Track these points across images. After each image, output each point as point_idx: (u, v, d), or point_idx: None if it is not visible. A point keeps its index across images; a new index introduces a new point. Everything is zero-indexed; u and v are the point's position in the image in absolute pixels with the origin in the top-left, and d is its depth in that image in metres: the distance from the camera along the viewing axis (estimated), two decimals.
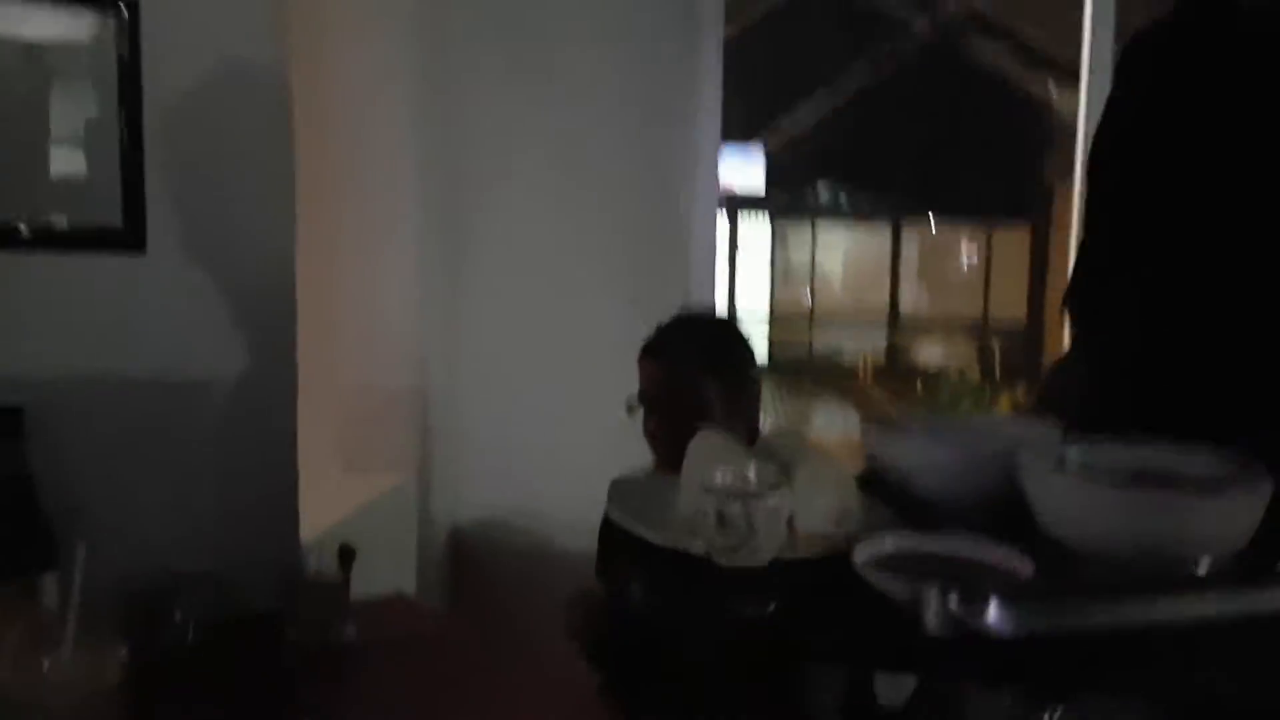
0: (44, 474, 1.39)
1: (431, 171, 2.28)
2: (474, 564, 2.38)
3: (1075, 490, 0.61)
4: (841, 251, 19.79)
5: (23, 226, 1.49)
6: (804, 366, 17.78)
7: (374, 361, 2.22)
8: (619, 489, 0.78)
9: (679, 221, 2.74)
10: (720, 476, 0.64)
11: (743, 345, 1.82)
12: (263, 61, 1.64)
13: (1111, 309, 0.93)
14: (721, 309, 2.84)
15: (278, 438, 1.73)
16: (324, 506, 1.86)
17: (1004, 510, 0.63)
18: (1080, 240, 1.03)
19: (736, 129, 16.74)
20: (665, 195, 2.66)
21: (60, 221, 1.52)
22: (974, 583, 0.53)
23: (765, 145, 17.67)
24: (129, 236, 1.56)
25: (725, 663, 0.79)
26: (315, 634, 1.52)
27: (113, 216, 1.54)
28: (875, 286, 17.93)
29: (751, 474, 0.65)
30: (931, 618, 0.51)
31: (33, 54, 1.47)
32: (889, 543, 0.62)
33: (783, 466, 0.68)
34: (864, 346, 16.14)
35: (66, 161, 1.54)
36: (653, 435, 1.72)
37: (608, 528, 1.69)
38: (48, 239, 1.50)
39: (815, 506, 0.68)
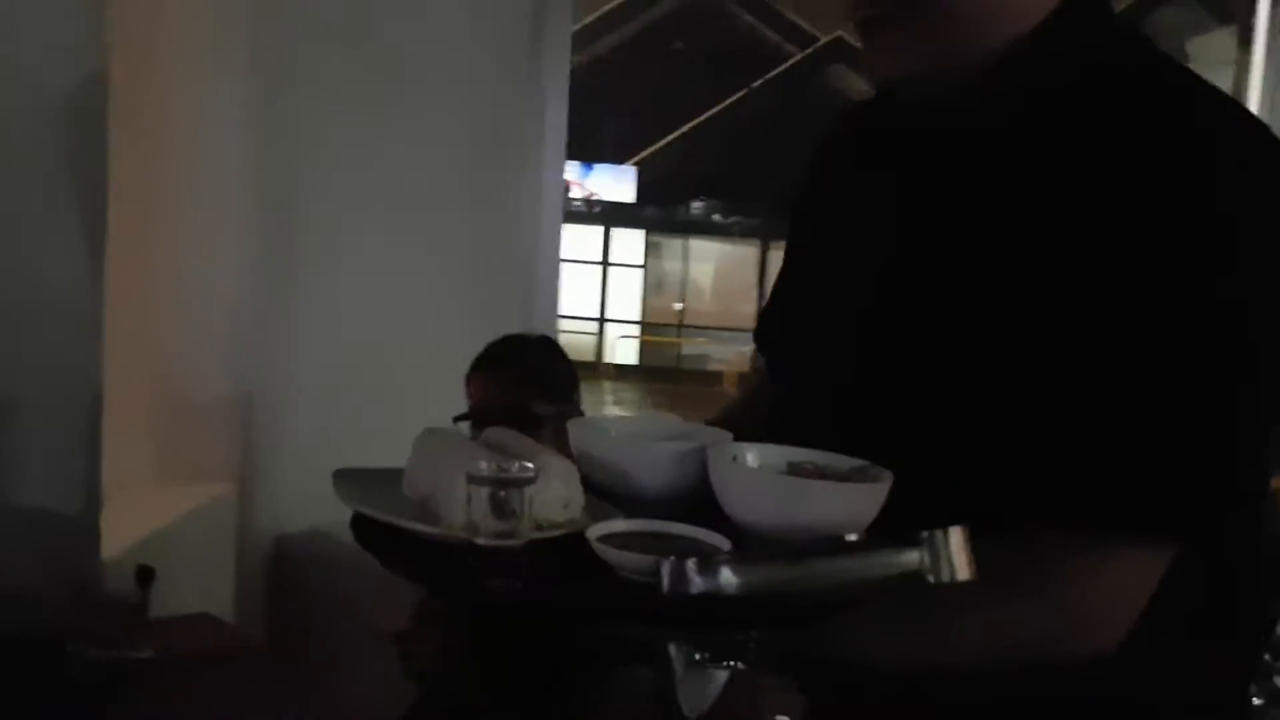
0: None
1: (261, 176, 2.25)
2: (297, 576, 2.35)
3: (744, 478, 0.77)
4: (712, 265, 20.22)
5: None
6: (672, 372, 18.14)
7: (192, 370, 2.17)
8: (344, 483, 0.81)
9: (521, 237, 2.77)
10: (485, 466, 0.70)
11: (566, 364, 1.88)
12: (79, 62, 1.60)
13: (791, 344, 1.06)
14: (553, 328, 2.88)
15: (80, 452, 1.69)
16: (134, 521, 1.82)
17: (703, 498, 0.77)
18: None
19: (613, 150, 16.98)
20: (506, 212, 2.69)
21: None
22: (698, 552, 0.68)
23: (639, 164, 17.92)
24: None
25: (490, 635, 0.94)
26: (106, 654, 1.50)
27: None
28: (743, 299, 18.37)
29: (513, 466, 0.70)
30: (668, 581, 0.64)
31: None
32: (616, 525, 0.74)
33: (517, 458, 0.74)
34: (729, 353, 16.57)
35: None
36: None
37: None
38: None
39: (549, 495, 0.76)
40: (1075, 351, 0.80)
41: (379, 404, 2.33)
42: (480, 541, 0.69)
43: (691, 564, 0.63)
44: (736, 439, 0.84)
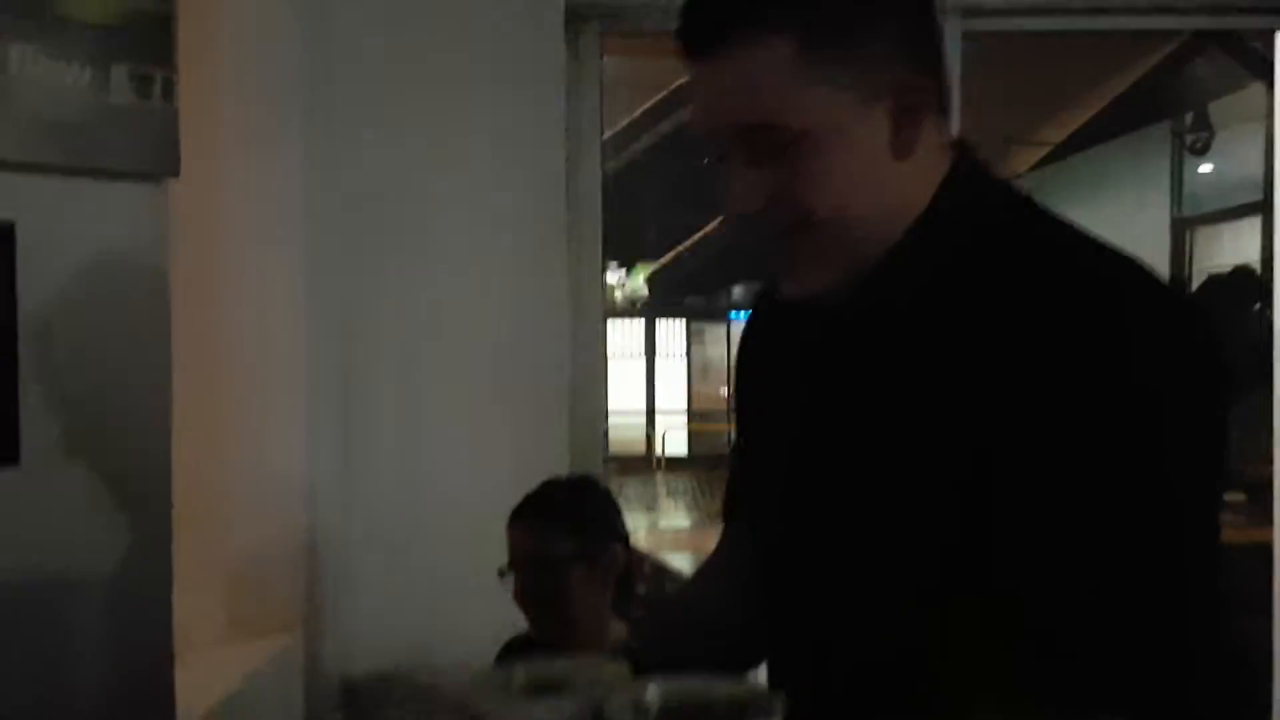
0: None
1: (316, 327, 2.33)
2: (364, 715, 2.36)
3: None
4: None
5: None
6: (721, 459, 17.95)
7: (259, 526, 2.23)
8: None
9: (564, 340, 2.82)
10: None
11: (601, 502, 1.89)
12: (142, 247, 1.68)
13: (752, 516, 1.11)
14: (602, 427, 2.94)
15: (154, 621, 1.73)
16: (207, 680, 1.85)
17: None
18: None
19: (650, 246, 17.24)
20: (551, 314, 2.75)
21: None
22: None
23: (677, 258, 18.12)
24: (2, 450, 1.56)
25: None
26: None
27: None
28: None
29: None
30: None
31: None
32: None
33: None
34: None
35: None
36: (520, 599, 1.78)
37: None
38: None
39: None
40: (1008, 535, 0.80)
41: (441, 544, 2.37)
42: None
43: None
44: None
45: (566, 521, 1.81)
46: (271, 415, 2.24)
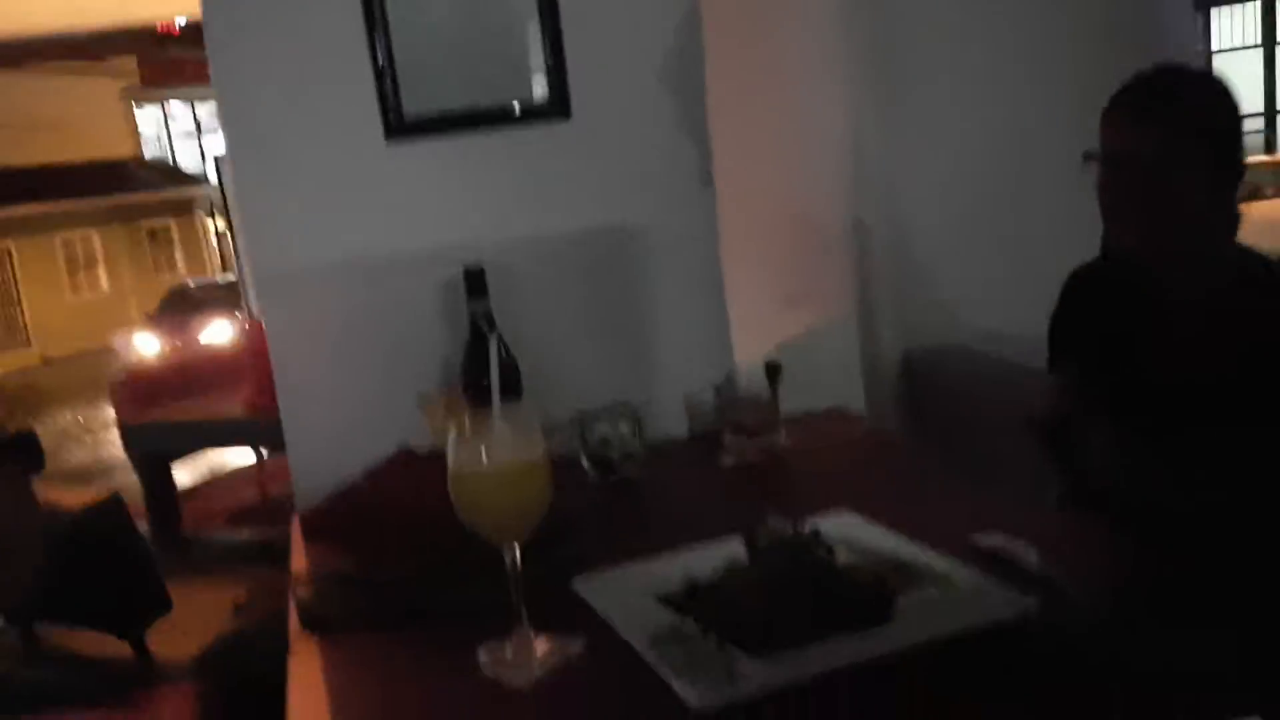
0: (502, 324, 1.65)
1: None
2: (927, 387, 2.40)
3: None
4: None
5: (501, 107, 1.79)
6: None
7: (803, 197, 2.29)
8: None
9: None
10: None
11: (1236, 115, 1.53)
12: None
13: None
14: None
15: (703, 276, 1.89)
16: (758, 338, 1.99)
17: None
18: None
19: None
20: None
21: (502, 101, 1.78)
22: None
23: None
24: (555, 107, 1.78)
25: None
26: (747, 443, 1.68)
27: (541, 92, 1.78)
28: None
29: None
30: None
31: None
32: None
33: None
34: None
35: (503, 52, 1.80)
36: (1104, 189, 1.52)
37: (1059, 321, 1.65)
38: (494, 117, 1.78)
39: None
40: None
41: (993, 218, 2.29)
42: None
43: None
44: None
45: (1197, 119, 1.45)
46: (814, 94, 2.27)
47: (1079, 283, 1.66)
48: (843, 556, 1.15)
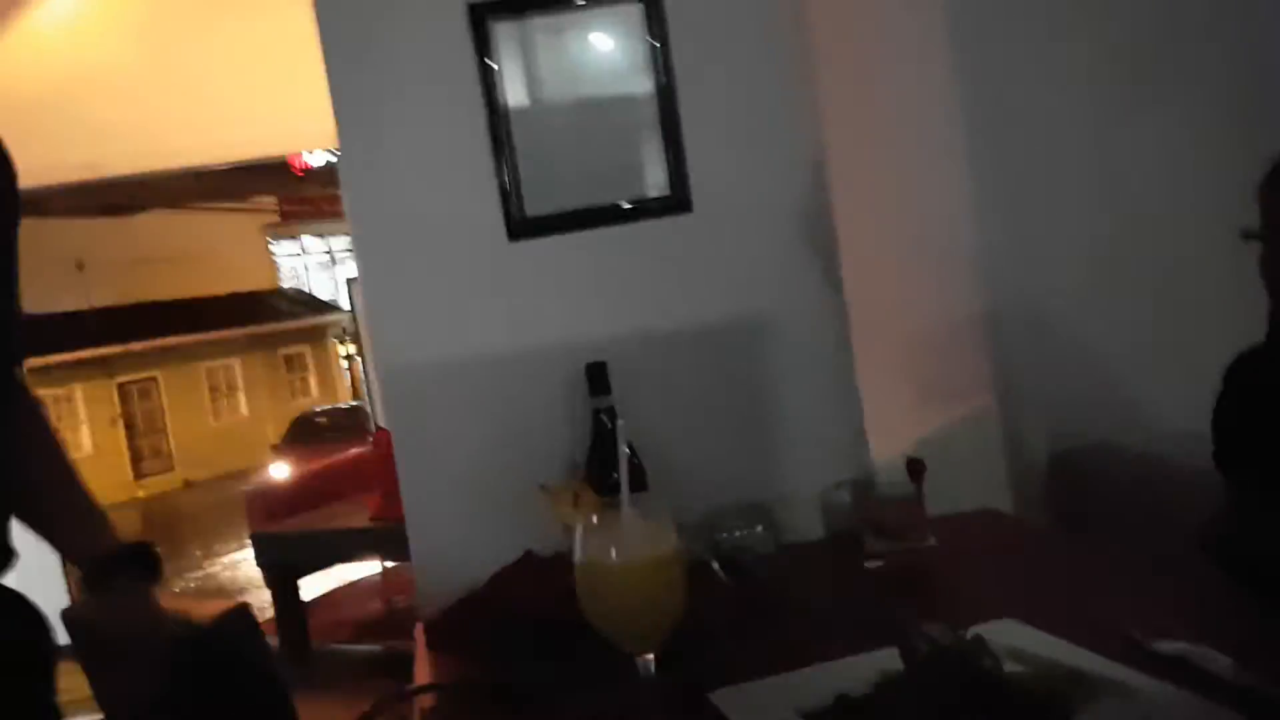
0: (628, 419, 1.60)
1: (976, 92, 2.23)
2: (1080, 490, 2.25)
3: None
4: None
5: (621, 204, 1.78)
6: None
7: (933, 288, 2.21)
8: None
9: None
10: None
11: None
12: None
13: None
14: None
15: (837, 370, 1.81)
16: (893, 433, 1.89)
17: None
18: None
19: None
20: None
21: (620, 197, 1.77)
22: None
23: None
24: (676, 201, 1.76)
25: None
26: (891, 545, 1.57)
27: (661, 187, 1.77)
28: None
29: None
30: None
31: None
32: None
33: None
34: None
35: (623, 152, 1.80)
36: (1267, 264, 1.43)
37: (1224, 411, 1.53)
38: (615, 214, 1.76)
39: None
40: None
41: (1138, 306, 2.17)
42: None
43: None
44: None
45: None
46: (932, 187, 2.21)
47: (1244, 368, 1.53)
48: (1009, 667, 1.04)
